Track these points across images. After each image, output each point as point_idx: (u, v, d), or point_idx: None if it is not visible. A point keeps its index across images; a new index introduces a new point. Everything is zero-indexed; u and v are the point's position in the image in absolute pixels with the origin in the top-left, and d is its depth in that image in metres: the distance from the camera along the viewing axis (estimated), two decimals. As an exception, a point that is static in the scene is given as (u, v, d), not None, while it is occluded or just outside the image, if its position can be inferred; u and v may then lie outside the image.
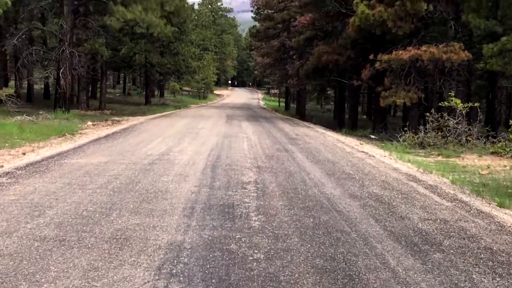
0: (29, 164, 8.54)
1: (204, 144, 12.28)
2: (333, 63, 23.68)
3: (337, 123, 33.80)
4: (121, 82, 73.44)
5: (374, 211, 6.05)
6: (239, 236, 4.76)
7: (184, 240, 4.55)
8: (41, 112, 20.13)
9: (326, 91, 54.63)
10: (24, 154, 10.32)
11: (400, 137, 16.77)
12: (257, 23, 47.93)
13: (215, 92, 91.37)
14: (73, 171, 7.92)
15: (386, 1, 18.03)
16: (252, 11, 49.98)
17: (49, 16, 19.86)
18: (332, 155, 11.51)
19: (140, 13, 19.64)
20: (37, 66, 20.84)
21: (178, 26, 46.21)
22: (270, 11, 40.84)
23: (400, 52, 18.34)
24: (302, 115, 39.06)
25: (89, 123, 18.73)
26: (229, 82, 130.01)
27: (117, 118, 22.87)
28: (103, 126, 18.26)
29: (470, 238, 5.17)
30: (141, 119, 22.32)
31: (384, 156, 12.24)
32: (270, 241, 4.66)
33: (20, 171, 7.77)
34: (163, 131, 15.72)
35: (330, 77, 29.55)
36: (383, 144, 16.34)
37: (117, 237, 4.57)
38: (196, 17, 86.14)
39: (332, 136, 17.22)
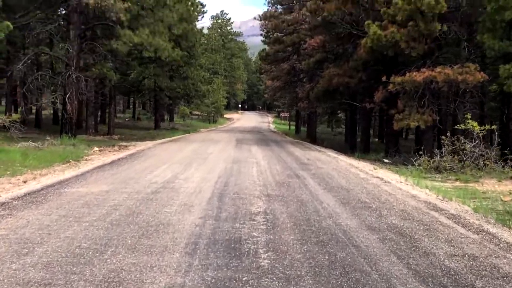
0: (27, 193, 8.12)
1: (211, 170, 11.81)
2: (344, 86, 23.27)
3: (349, 147, 33.27)
4: (131, 106, 73.57)
5: (395, 246, 5.52)
6: (246, 278, 4.25)
7: (184, 284, 4.06)
8: (47, 138, 19.84)
9: (337, 114, 54.37)
10: (25, 182, 9.93)
11: (415, 161, 16.20)
12: (266, 47, 47.89)
13: (225, 116, 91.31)
14: (72, 201, 7.48)
15: (399, 21, 17.64)
16: (261, 34, 49.97)
17: (56, 40, 19.62)
18: (346, 182, 10.99)
19: (147, 36, 19.43)
20: (45, 91, 20.54)
21: (187, 50, 46.36)
22: (279, 34, 40.70)
23: (414, 73, 17.90)
24: (313, 139, 38.60)
25: (96, 149, 18.39)
26: (239, 105, 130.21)
27: (125, 144, 22.55)
28: (109, 152, 17.89)
29: (505, 278, 4.62)
30: (149, 144, 21.97)
31: (400, 182, 11.70)
32: (281, 284, 4.15)
33: (16, 202, 7.34)
34: (171, 157, 15.29)
35: (341, 99, 29.15)
36: (398, 169, 15.81)
37: (109, 280, 4.08)
38: (205, 41, 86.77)
39: (344, 161, 16.68)
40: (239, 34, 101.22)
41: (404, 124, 19.46)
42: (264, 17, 40.74)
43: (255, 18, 40.13)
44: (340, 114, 56.34)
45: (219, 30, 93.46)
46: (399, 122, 19.36)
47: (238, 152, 17.77)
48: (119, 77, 39.00)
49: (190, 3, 25.29)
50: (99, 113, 38.82)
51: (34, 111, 31.03)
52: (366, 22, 18.27)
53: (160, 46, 19.77)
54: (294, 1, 38.04)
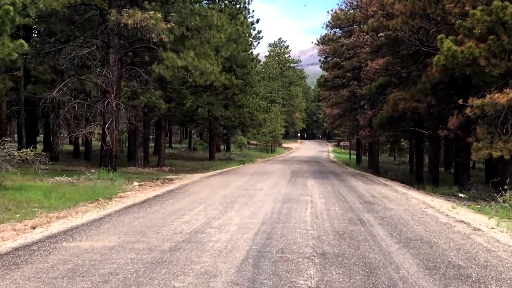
0: (15, 249, 6.37)
1: (255, 214, 9.68)
2: (411, 111, 20.74)
3: (415, 178, 30.39)
4: (188, 136, 72.90)
5: None
6: None
7: None
8: (89, 171, 18.52)
9: (400, 142, 51.24)
10: (34, 228, 8.26)
11: (499, 196, 13.47)
12: (325, 73, 45.73)
13: (283, 145, 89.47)
14: (58, 264, 5.59)
15: (477, 35, 15.14)
16: (320, 60, 47.95)
17: (93, 66, 18.36)
18: (424, 230, 8.59)
19: (192, 59, 17.83)
20: (83, 120, 19.22)
21: (242, 77, 45.04)
22: (338, 60, 38.59)
23: (496, 95, 15.26)
24: (375, 169, 35.88)
25: (135, 184, 16.76)
26: (298, 134, 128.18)
27: (171, 176, 20.99)
28: (150, 187, 16.21)
29: None
30: (196, 177, 20.25)
31: (492, 228, 9.18)
32: None
33: (-8, 262, 5.56)
34: (212, 194, 13.30)
35: (407, 127, 26.53)
36: (479, 207, 13.20)
37: None
38: (263, 69, 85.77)
39: (416, 198, 14.14)
40: (297, 62, 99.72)
41: (484, 153, 16.72)
42: (322, 41, 38.78)
43: (312, 42, 38.30)
44: (402, 143, 53.35)
45: (276, 58, 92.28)
46: (478, 151, 16.66)
47: (291, 187, 15.59)
48: (171, 106, 38.04)
49: (240, 22, 23.53)
50: (150, 144, 37.78)
51: (82, 141, 30.22)
52: (438, 37, 15.83)
53: (207, 69, 18.07)
54: (354, 24, 35.87)
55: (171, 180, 19.34)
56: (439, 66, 15.97)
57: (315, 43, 38.70)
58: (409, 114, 21.21)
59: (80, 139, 28.96)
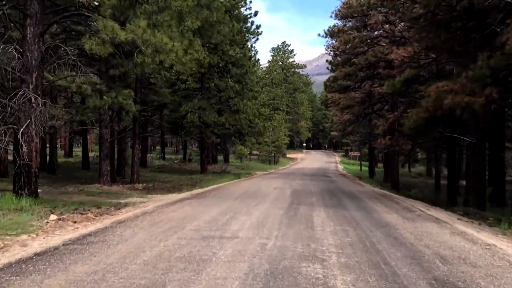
0: None
1: None
2: (461, 108, 14.52)
3: (447, 197, 24.23)
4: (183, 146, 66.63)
5: None
6: None
7: None
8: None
9: (416, 152, 45.07)
10: None
11: None
12: (333, 75, 39.28)
13: (287, 155, 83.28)
14: None
15: None
16: (327, 61, 41.69)
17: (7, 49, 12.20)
18: None
19: (143, 31, 11.77)
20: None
21: (239, 79, 39.02)
22: (348, 56, 32.37)
23: None
24: (395, 185, 29.68)
25: (53, 217, 10.78)
26: (304, 144, 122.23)
27: (133, 199, 15.55)
28: (74, 222, 10.46)
29: None
30: (162, 201, 14.51)
31: None
32: None
33: None
34: (134, 254, 7.06)
35: (444, 131, 20.30)
36: None
37: None
38: (266, 75, 79.85)
39: (506, 255, 7.85)
40: (302, 67, 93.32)
41: None
42: (331, 33, 32.41)
43: (319, 35, 32.15)
44: (419, 153, 47.29)
45: (280, 63, 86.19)
46: None
47: (287, 230, 9.24)
48: (149, 109, 32.04)
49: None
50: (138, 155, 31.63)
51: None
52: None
53: (163, 45, 11.95)
54: (369, 11, 29.65)
55: (124, 206, 13.58)
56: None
57: (322, 36, 32.41)
58: (459, 113, 14.97)
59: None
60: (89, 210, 12.52)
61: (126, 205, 13.85)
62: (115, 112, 24.22)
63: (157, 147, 71.85)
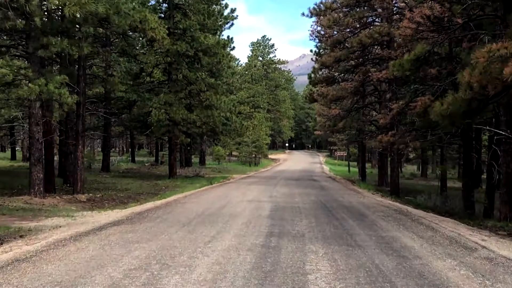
0: None
1: None
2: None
3: (464, 206, 19.36)
4: (156, 148, 61.23)
5: None
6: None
7: None
8: None
9: (409, 151, 40.54)
10: None
11: None
12: (316, 65, 33.78)
13: (270, 156, 78.37)
14: None
15: None
16: (311, 51, 36.54)
17: None
18: None
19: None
20: None
21: (211, 69, 33.86)
22: (340, 37, 27.30)
23: None
24: (394, 190, 24.84)
25: None
26: (286, 144, 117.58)
27: (35, 225, 10.31)
28: None
29: None
30: (85, 226, 9.29)
31: None
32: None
33: None
34: None
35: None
36: None
37: None
38: (246, 72, 74.85)
39: None
40: (283, 63, 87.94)
41: None
42: (317, 11, 27.27)
43: (302, 14, 27.17)
44: (410, 152, 42.87)
45: (260, 58, 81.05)
46: None
47: None
48: (76, 98, 26.64)
49: None
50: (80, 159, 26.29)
51: None
52: None
53: None
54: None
55: (21, 237, 8.45)
56: None
57: (307, 15, 27.32)
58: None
59: None
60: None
61: (25, 235, 8.78)
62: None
63: (129, 149, 66.53)
